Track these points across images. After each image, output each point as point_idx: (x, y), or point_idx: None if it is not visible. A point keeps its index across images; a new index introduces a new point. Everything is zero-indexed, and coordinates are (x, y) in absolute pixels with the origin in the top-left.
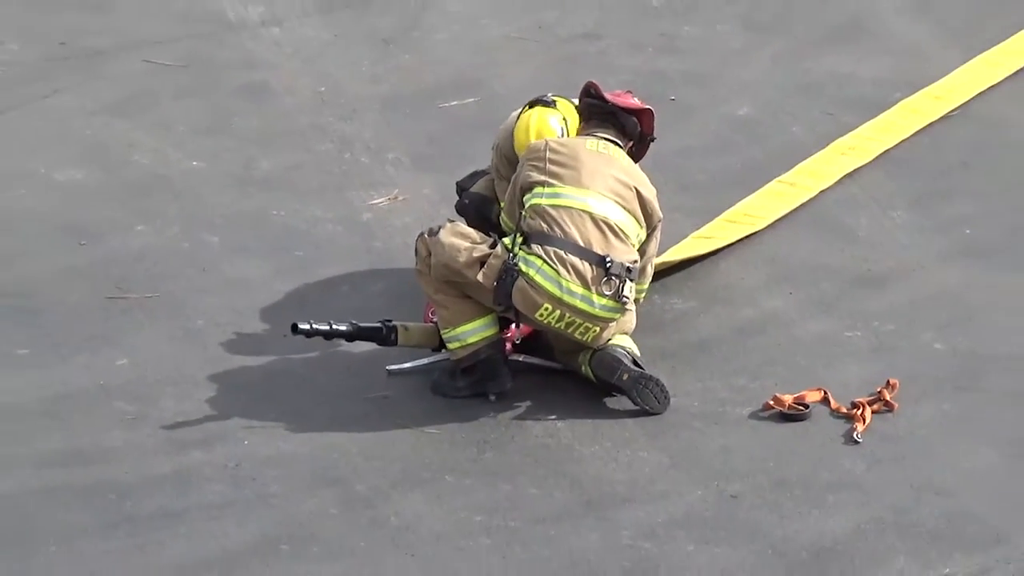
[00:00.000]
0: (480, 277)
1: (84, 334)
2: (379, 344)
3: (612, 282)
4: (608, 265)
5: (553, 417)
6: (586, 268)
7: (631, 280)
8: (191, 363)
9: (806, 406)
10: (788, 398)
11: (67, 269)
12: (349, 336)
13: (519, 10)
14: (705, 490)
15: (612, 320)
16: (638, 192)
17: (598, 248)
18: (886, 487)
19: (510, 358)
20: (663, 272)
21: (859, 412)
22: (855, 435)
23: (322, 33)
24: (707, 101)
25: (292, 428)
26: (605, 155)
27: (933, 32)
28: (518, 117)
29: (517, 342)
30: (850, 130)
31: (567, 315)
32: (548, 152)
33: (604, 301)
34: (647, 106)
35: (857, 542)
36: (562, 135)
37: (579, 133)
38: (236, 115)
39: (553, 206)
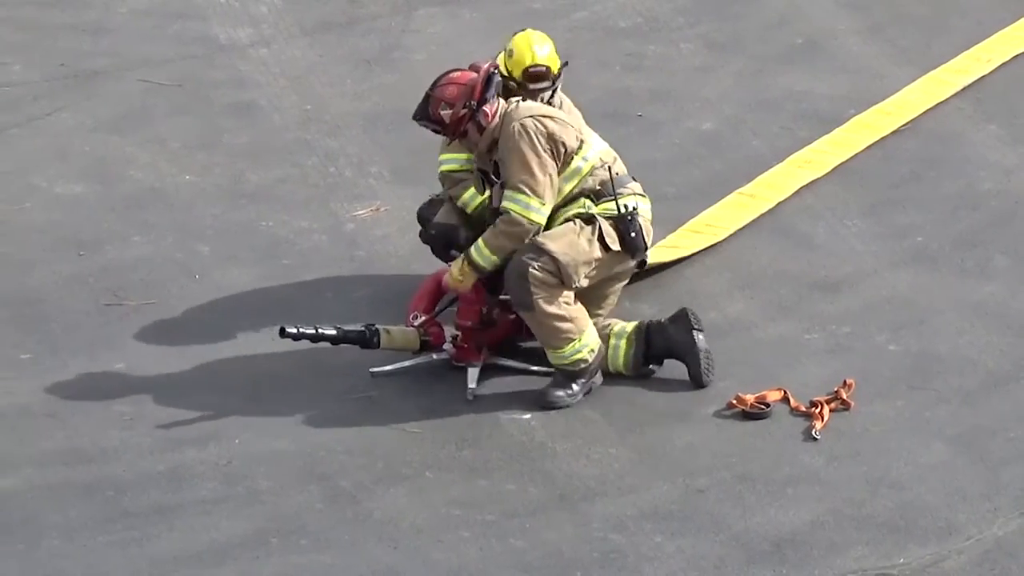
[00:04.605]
0: (609, 243)
1: (84, 339)
2: (362, 347)
3: None
4: None
5: (528, 416)
6: None
7: None
8: (184, 366)
9: (767, 405)
10: (750, 397)
11: (68, 278)
12: (334, 339)
13: (493, 32)
14: (672, 484)
15: None
16: None
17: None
18: (843, 481)
19: (487, 361)
20: (632, 279)
21: (817, 410)
22: (814, 432)
23: (308, 54)
24: (672, 117)
25: (280, 427)
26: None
27: (884, 52)
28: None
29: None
30: (807, 144)
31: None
32: (554, 121)
33: None
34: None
35: (816, 533)
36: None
37: (504, 108)
38: (226, 131)
39: (600, 155)
